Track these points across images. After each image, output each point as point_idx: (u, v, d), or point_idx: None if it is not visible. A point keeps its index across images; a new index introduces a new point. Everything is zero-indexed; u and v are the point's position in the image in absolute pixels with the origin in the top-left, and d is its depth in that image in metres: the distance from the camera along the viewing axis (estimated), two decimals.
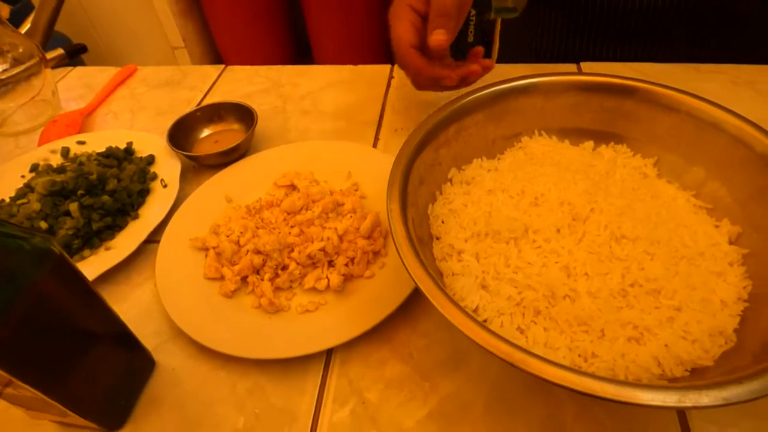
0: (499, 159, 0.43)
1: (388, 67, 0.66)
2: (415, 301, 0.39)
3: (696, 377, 0.29)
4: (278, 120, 0.60)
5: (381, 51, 1.77)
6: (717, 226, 0.36)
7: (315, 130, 0.58)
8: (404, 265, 0.29)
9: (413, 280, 0.29)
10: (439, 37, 0.43)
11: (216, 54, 1.85)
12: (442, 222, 0.38)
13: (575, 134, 0.43)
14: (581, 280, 0.32)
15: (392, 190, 0.34)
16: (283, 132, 0.58)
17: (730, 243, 0.36)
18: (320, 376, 0.36)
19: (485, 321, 0.32)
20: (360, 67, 0.67)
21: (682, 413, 0.32)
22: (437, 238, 0.37)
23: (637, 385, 0.24)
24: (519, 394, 0.34)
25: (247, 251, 0.43)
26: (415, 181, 0.36)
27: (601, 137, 0.43)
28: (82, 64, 0.92)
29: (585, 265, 0.32)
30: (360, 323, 0.37)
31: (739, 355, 0.29)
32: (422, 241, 0.35)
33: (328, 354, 0.37)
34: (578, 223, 0.35)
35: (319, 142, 0.55)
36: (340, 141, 0.55)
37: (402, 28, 0.45)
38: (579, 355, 0.30)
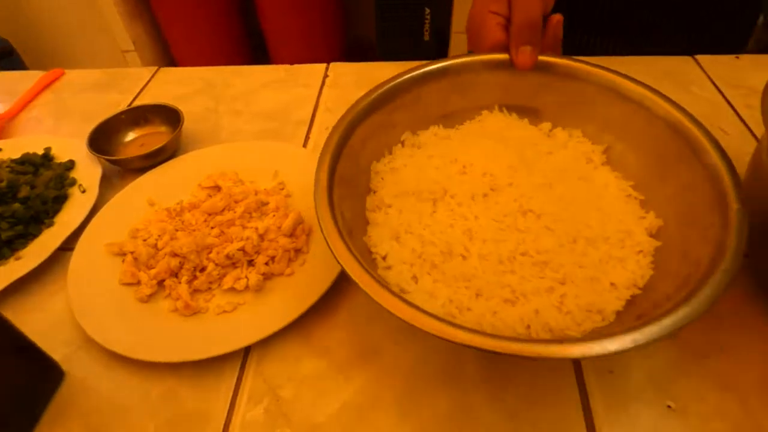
0: (457, 129, 0.44)
1: (323, 66, 0.66)
2: (334, 295, 0.39)
3: None
4: (210, 121, 0.59)
5: (337, 48, 1.77)
6: (643, 218, 0.37)
7: (246, 130, 0.58)
8: (317, 214, 0.31)
9: (319, 224, 0.31)
10: (527, 59, 0.40)
11: (169, 57, 1.81)
12: (382, 178, 0.40)
13: (535, 114, 0.44)
14: (478, 244, 0.34)
15: (328, 146, 0.35)
16: (214, 133, 0.58)
17: (651, 235, 0.36)
18: (236, 377, 0.36)
19: (389, 267, 0.35)
20: (296, 66, 0.67)
21: (584, 397, 0.33)
22: (374, 192, 0.39)
23: (508, 338, 0.25)
24: (430, 383, 0.34)
25: (165, 254, 0.42)
26: (356, 142, 0.38)
27: (560, 120, 0.43)
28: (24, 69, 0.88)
29: (486, 231, 0.34)
30: (277, 320, 0.37)
31: (609, 330, 0.30)
32: (356, 193, 0.38)
33: (245, 354, 0.37)
34: (495, 193, 0.37)
35: (246, 143, 0.54)
36: (269, 141, 0.55)
37: (492, 35, 0.41)
38: (456, 307, 0.32)
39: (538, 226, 0.34)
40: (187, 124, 0.58)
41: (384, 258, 0.35)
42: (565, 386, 0.34)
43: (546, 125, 0.43)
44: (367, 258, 0.35)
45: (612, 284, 0.33)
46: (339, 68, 0.65)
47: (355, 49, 1.82)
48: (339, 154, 0.36)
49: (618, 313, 0.32)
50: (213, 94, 0.63)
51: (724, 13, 0.62)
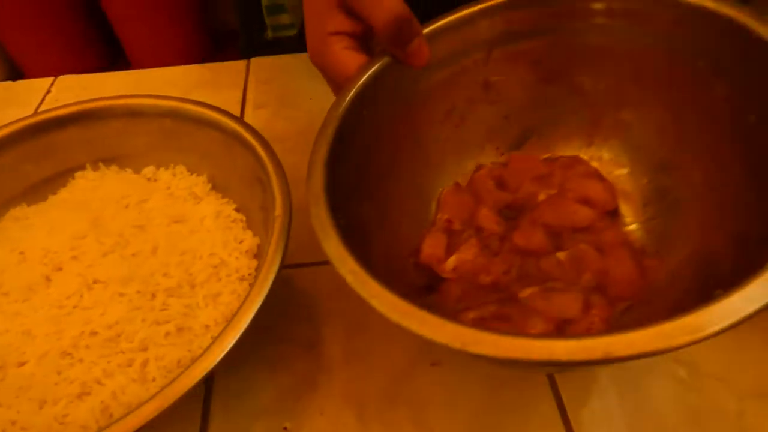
0: (43, 203, 0.39)
1: (48, 80, 0.60)
2: None
3: None
4: None
5: (201, 43, 1.70)
6: (242, 241, 0.36)
7: None
8: None
9: None
10: (423, 54, 0.32)
11: (11, 65, 1.66)
12: None
13: (134, 161, 0.41)
14: (39, 342, 0.31)
15: None
16: None
17: (255, 256, 0.36)
18: None
19: None
20: (19, 83, 0.60)
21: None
22: None
23: None
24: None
25: None
26: None
27: (162, 160, 0.41)
28: None
29: (47, 325, 0.31)
30: None
31: None
32: None
33: None
34: (60, 274, 0.33)
35: None
36: None
37: (343, 66, 0.32)
38: (22, 428, 0.29)
39: (106, 297, 0.32)
40: None
41: None
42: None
43: (149, 169, 0.41)
44: None
45: (206, 326, 0.32)
46: (66, 81, 0.59)
47: (224, 37, 1.73)
48: None
49: None
50: None
51: None
